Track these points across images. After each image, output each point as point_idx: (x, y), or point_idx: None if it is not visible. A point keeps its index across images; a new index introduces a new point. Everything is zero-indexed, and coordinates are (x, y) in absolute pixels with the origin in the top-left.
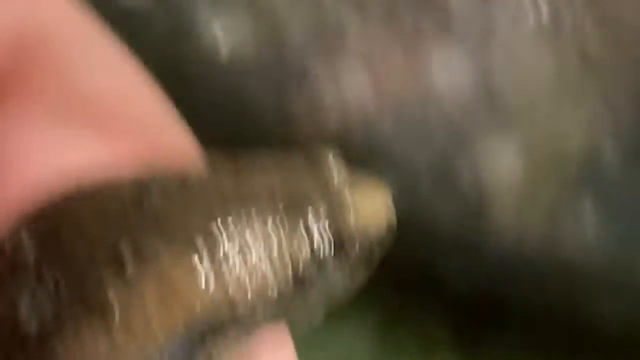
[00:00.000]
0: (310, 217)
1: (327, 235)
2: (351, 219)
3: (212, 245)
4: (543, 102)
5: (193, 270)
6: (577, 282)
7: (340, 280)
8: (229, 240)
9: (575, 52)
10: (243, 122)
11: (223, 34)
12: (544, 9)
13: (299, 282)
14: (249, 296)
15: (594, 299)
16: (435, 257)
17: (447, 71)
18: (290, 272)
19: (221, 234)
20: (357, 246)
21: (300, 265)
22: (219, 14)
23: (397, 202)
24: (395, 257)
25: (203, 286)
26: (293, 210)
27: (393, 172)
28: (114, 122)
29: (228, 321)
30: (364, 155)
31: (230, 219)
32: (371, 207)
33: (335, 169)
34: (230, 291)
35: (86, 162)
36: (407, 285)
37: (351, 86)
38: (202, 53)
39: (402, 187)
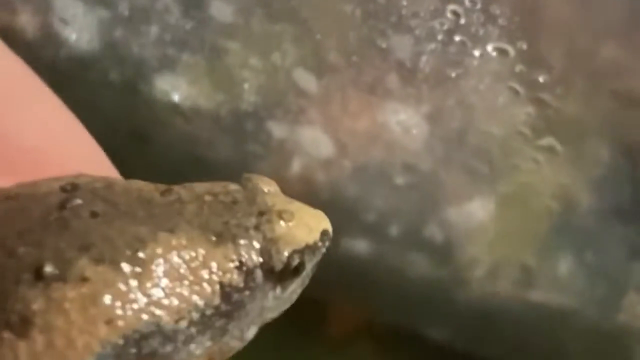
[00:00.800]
0: (240, 242)
1: (256, 255)
2: (281, 242)
3: (138, 267)
4: (509, 160)
5: (118, 291)
6: (552, 325)
7: (272, 299)
8: (155, 263)
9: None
10: (202, 166)
11: (175, 87)
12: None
13: (227, 301)
14: (175, 315)
15: (571, 345)
16: (411, 305)
17: (406, 132)
18: (217, 290)
19: (148, 256)
20: (286, 264)
21: (228, 285)
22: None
23: (367, 250)
24: (370, 308)
25: (128, 306)
26: (222, 235)
27: (362, 223)
28: (31, 159)
29: (155, 340)
30: (330, 207)
31: (158, 242)
32: (303, 229)
33: (269, 195)
34: (156, 310)
35: None
36: (389, 340)
37: (311, 142)
38: (159, 102)
39: (371, 237)
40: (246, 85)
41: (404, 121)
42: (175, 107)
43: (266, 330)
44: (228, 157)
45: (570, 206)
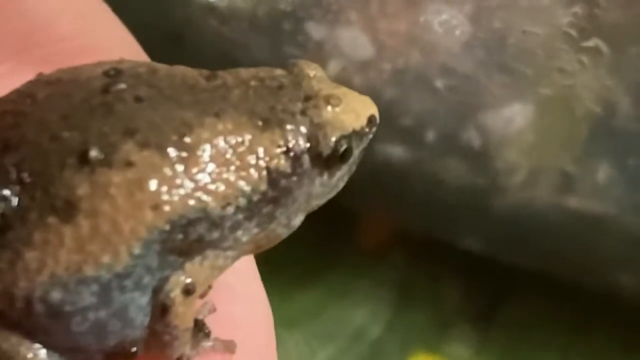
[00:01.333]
0: (287, 127)
1: (303, 140)
2: (328, 127)
3: (185, 152)
4: (552, 62)
5: (164, 176)
6: (589, 233)
7: (319, 186)
8: (201, 148)
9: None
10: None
11: None
12: None
13: (274, 187)
14: (222, 200)
15: (608, 253)
16: (445, 213)
17: (449, 33)
18: (264, 176)
19: (195, 141)
20: (334, 149)
21: (275, 171)
22: None
23: (403, 156)
24: (403, 217)
25: (174, 191)
26: (269, 121)
27: (398, 128)
28: (70, 50)
29: (202, 226)
30: None
31: (205, 127)
32: (350, 114)
33: (315, 79)
34: (202, 195)
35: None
36: (421, 252)
37: (350, 44)
38: (195, 2)
39: (407, 143)
40: None
41: (446, 21)
42: (211, 7)
43: (299, 238)
44: (264, 59)
45: (612, 111)
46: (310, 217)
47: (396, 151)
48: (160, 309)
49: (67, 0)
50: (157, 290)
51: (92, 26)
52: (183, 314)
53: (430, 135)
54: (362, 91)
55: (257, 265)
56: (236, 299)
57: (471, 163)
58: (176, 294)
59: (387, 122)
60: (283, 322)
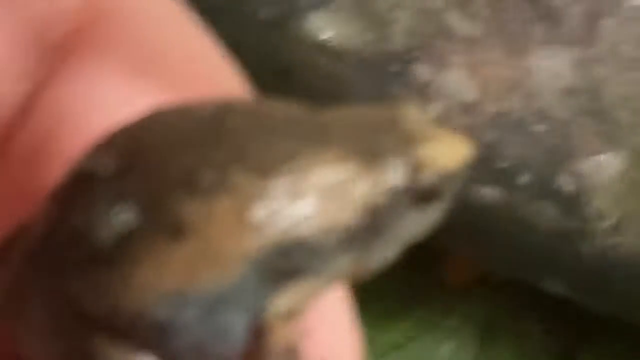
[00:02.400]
0: (387, 163)
1: (402, 177)
2: (426, 165)
3: (290, 179)
4: None
5: (269, 203)
6: None
7: (414, 221)
8: (305, 178)
9: None
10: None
11: (327, 25)
12: None
13: (372, 220)
14: (322, 230)
15: None
16: (532, 255)
17: (554, 78)
18: (363, 209)
19: (299, 171)
20: (430, 187)
21: (373, 204)
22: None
23: (496, 198)
24: (489, 258)
25: (278, 218)
26: (370, 156)
27: (494, 170)
28: (187, 77)
29: (302, 253)
30: None
31: (310, 158)
32: (448, 153)
33: (415, 118)
34: (304, 224)
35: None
36: (506, 291)
37: (454, 86)
38: (306, 40)
39: (501, 185)
40: (396, 26)
41: (549, 67)
42: (322, 46)
43: (391, 271)
44: (369, 99)
45: None
46: (403, 253)
47: (489, 193)
48: (257, 333)
49: (181, 32)
50: (256, 314)
51: (208, 59)
52: (279, 338)
53: (524, 179)
54: (463, 133)
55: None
56: (327, 327)
57: (562, 207)
58: (273, 318)
59: (484, 164)
60: (371, 355)
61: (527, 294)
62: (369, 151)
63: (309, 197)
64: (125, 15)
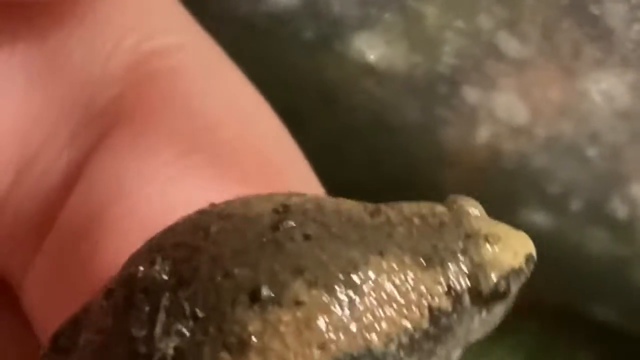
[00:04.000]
0: (449, 266)
1: (464, 280)
2: (488, 266)
3: (351, 291)
4: None
5: (332, 315)
6: None
7: (477, 322)
8: (367, 287)
9: None
10: (387, 130)
11: (372, 46)
12: None
13: (436, 325)
14: (385, 338)
15: None
16: (583, 282)
17: (607, 101)
18: (426, 314)
19: (361, 280)
20: (494, 289)
21: (437, 309)
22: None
23: (547, 224)
24: (539, 285)
25: (341, 330)
26: (431, 259)
27: (544, 196)
28: (233, 152)
29: None
30: (515, 178)
31: (370, 266)
32: (509, 252)
33: (474, 217)
34: (367, 334)
35: (198, 187)
36: (556, 320)
37: (504, 109)
38: (351, 62)
39: (552, 210)
40: (445, 47)
41: (605, 91)
42: (368, 68)
43: None
44: (414, 121)
45: None
46: None
47: (539, 218)
48: None
49: (230, 102)
50: None
51: (252, 130)
52: None
53: (576, 204)
54: (512, 157)
55: None
56: None
57: (615, 233)
58: None
59: (534, 190)
60: None
61: (579, 324)
62: (429, 255)
63: (370, 307)
64: (174, 78)
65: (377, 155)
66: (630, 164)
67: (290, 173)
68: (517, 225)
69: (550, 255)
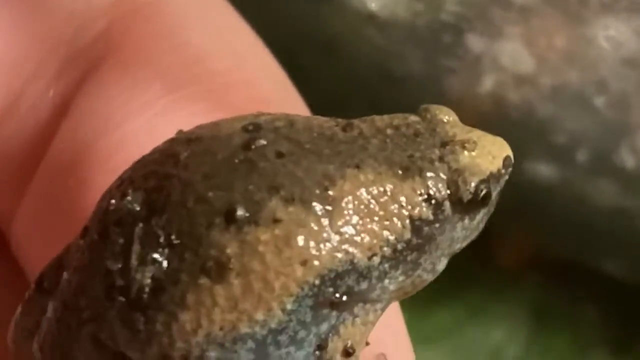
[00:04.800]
0: (427, 175)
1: (444, 187)
2: (467, 172)
3: (329, 206)
4: None
5: (311, 231)
6: None
7: (460, 230)
8: (345, 201)
9: None
10: (390, 80)
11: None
12: None
13: (418, 234)
14: (368, 251)
15: None
16: (588, 235)
17: (614, 48)
18: (408, 224)
19: (338, 194)
20: (474, 194)
21: (418, 218)
22: None
23: (551, 175)
24: (544, 238)
25: (322, 245)
26: (409, 169)
27: (550, 146)
28: (223, 85)
29: (350, 278)
30: (519, 127)
31: (347, 179)
32: (486, 157)
33: (449, 125)
34: (349, 248)
35: (188, 121)
36: (560, 274)
37: (510, 58)
38: (352, 11)
39: (557, 161)
40: None
41: (613, 37)
42: (370, 17)
43: None
44: (419, 71)
45: None
46: None
47: (544, 170)
48: None
49: (218, 35)
50: (316, 348)
51: (244, 62)
52: None
53: (582, 155)
54: (517, 107)
55: None
56: (390, 356)
57: (622, 184)
58: (338, 359)
59: (539, 140)
60: (422, 338)
61: (583, 277)
62: (406, 165)
63: (350, 221)
64: (161, 11)
65: (381, 105)
66: (638, 113)
67: (282, 106)
68: (522, 176)
69: (556, 207)
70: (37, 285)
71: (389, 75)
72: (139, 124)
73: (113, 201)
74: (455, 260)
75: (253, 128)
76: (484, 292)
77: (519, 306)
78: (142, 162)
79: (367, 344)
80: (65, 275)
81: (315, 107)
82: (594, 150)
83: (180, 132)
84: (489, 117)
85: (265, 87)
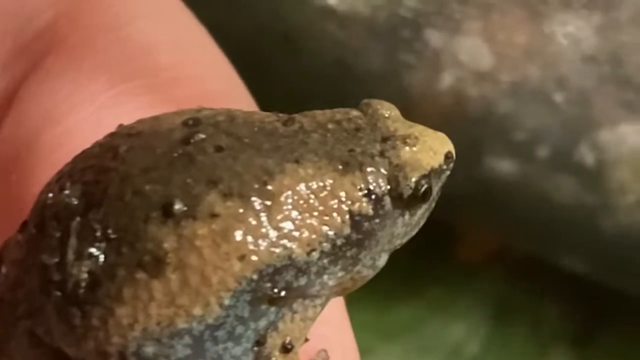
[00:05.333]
0: (367, 170)
1: (384, 182)
2: (408, 167)
3: (268, 201)
4: None
5: (249, 225)
6: None
7: (401, 225)
8: (284, 195)
9: None
10: (351, 75)
11: None
12: None
13: (358, 230)
14: (307, 246)
15: None
16: (549, 231)
17: (573, 45)
18: (347, 220)
19: (277, 189)
20: (414, 189)
21: (357, 214)
22: None
23: (512, 171)
24: (505, 234)
25: (260, 240)
26: (349, 164)
27: (510, 142)
28: (169, 79)
29: (289, 274)
30: (479, 124)
31: (286, 174)
32: (427, 152)
33: (390, 120)
34: (287, 243)
35: (133, 115)
36: (521, 269)
37: (469, 54)
38: (311, 4)
39: (518, 158)
40: None
41: (572, 34)
42: (330, 11)
43: (398, 250)
44: (378, 66)
45: None
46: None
47: (505, 166)
48: None
49: (166, 29)
50: (254, 344)
51: (191, 57)
52: None
53: (542, 151)
54: (477, 103)
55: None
56: (332, 351)
57: (582, 181)
58: (276, 355)
59: (499, 136)
60: (382, 334)
61: (544, 273)
62: (346, 159)
63: (289, 216)
64: (108, 3)
65: (341, 100)
66: (598, 109)
67: (229, 101)
68: (482, 173)
69: (516, 203)
70: None
71: (349, 70)
72: (83, 117)
73: (51, 195)
74: (416, 256)
75: (193, 123)
76: (444, 288)
77: (479, 302)
78: (82, 156)
79: (307, 340)
80: (2, 269)
81: (276, 101)
82: (554, 146)
83: (120, 126)
84: (448, 114)
85: (213, 83)
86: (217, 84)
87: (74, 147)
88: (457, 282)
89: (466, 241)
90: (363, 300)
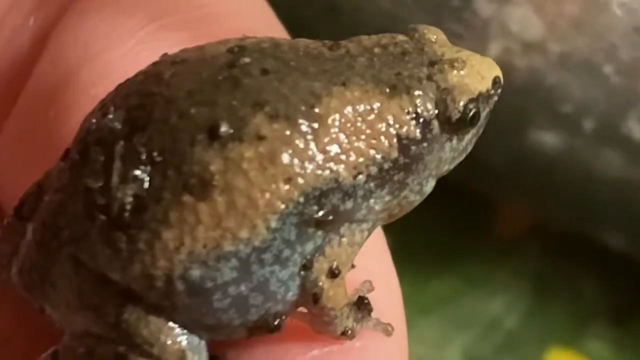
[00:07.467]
0: (415, 93)
1: (432, 106)
2: (456, 91)
3: (315, 123)
4: None
5: (296, 148)
6: None
7: (448, 150)
8: (331, 118)
9: None
10: None
11: None
12: None
13: (405, 154)
14: (354, 170)
15: None
16: (591, 206)
17: (625, 15)
18: (395, 143)
19: (324, 111)
20: (462, 113)
21: (405, 137)
22: None
23: (556, 144)
24: (545, 208)
25: (306, 163)
26: (396, 87)
27: (556, 114)
28: (207, 15)
29: (335, 197)
30: (525, 95)
31: (333, 96)
32: (475, 77)
33: (437, 44)
34: (334, 166)
35: (172, 50)
36: (560, 244)
37: (518, 23)
38: None
39: (563, 130)
40: None
41: (627, 3)
42: None
43: (436, 224)
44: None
45: None
46: (448, 203)
47: (549, 138)
48: (312, 298)
49: None
50: (301, 267)
51: None
52: (334, 295)
53: (589, 124)
54: (524, 74)
55: (395, 250)
56: (376, 283)
57: (628, 155)
58: (323, 280)
59: (545, 108)
60: (419, 307)
61: (584, 248)
62: (394, 83)
63: (336, 139)
64: None
65: None
66: None
67: (256, 25)
68: (525, 145)
69: (559, 177)
70: (16, 212)
71: None
72: (122, 52)
73: (94, 120)
74: (454, 229)
75: (238, 50)
76: (482, 262)
77: (518, 277)
78: (126, 84)
79: (353, 266)
80: (45, 198)
81: None
82: (600, 119)
83: (164, 55)
84: None
85: (251, 20)
86: (256, 21)
87: (113, 82)
88: (495, 256)
89: (505, 215)
90: (400, 274)
